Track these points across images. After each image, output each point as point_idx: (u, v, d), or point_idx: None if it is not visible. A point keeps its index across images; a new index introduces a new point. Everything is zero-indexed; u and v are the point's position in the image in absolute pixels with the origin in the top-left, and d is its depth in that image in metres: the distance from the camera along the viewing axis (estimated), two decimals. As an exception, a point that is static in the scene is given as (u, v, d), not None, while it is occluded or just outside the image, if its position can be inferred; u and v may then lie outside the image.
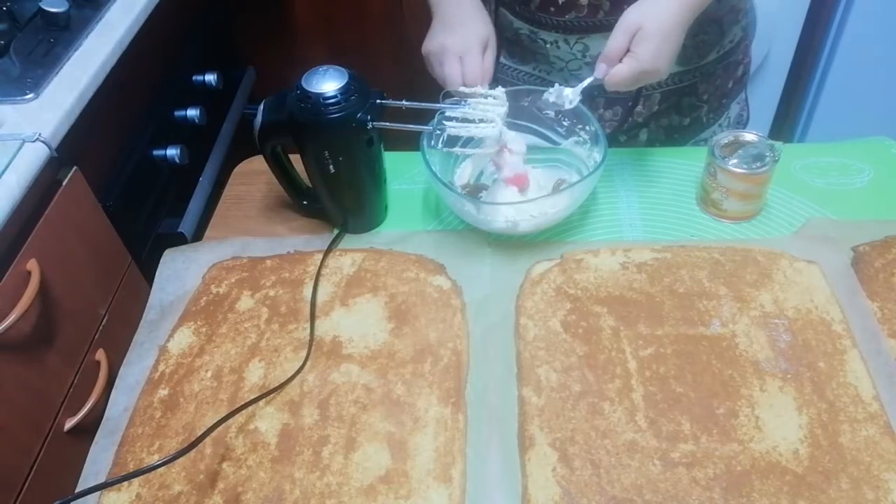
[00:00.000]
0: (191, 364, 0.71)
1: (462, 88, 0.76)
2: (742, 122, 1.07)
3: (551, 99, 0.79)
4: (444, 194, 0.80)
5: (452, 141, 0.80)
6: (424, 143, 0.79)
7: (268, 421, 0.66)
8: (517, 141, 0.79)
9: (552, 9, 0.88)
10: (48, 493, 0.90)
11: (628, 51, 0.73)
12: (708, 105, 0.99)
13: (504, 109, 0.75)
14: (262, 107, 0.78)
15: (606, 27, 0.85)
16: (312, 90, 0.73)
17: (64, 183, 0.97)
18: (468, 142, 0.82)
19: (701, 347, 0.68)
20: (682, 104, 0.96)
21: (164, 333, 0.75)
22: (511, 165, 0.79)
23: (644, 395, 0.65)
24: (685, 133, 1.00)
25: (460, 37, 0.81)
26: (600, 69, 0.75)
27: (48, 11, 1.08)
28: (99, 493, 0.62)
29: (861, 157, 0.89)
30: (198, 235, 0.94)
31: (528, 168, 0.82)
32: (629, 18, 0.74)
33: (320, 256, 0.80)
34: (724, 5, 0.90)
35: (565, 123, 0.86)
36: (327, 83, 0.73)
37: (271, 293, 0.78)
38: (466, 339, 0.72)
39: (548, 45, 0.92)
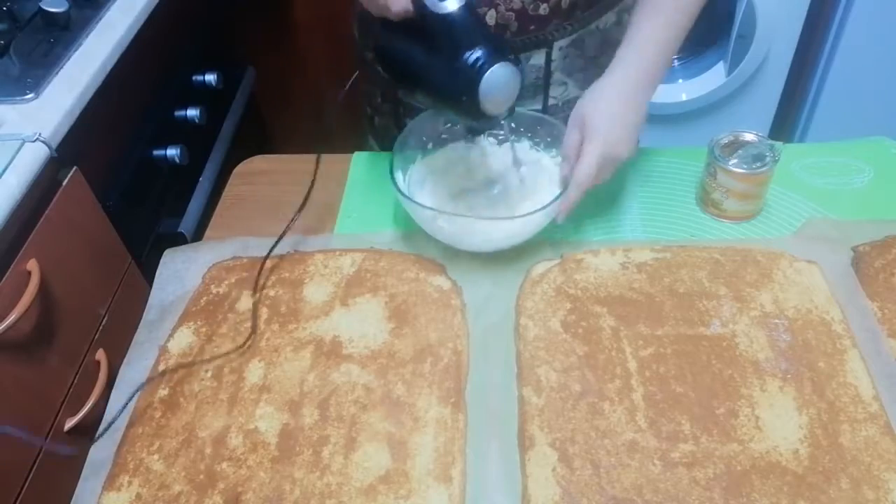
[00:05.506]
0: (191, 364, 0.71)
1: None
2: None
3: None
4: (410, 209, 0.78)
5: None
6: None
7: (268, 421, 0.66)
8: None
9: None
10: (48, 493, 0.90)
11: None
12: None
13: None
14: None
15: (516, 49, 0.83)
16: None
17: (64, 183, 0.97)
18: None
19: (701, 347, 0.68)
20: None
21: (164, 333, 0.75)
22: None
23: (644, 395, 0.65)
24: None
25: None
26: (564, 168, 0.76)
27: (48, 11, 1.08)
28: (99, 492, 0.62)
29: (861, 157, 0.89)
30: (198, 235, 0.94)
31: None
32: (576, 111, 0.75)
33: (321, 256, 0.80)
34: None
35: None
36: None
37: (271, 293, 0.78)
38: (466, 339, 0.72)
39: None
